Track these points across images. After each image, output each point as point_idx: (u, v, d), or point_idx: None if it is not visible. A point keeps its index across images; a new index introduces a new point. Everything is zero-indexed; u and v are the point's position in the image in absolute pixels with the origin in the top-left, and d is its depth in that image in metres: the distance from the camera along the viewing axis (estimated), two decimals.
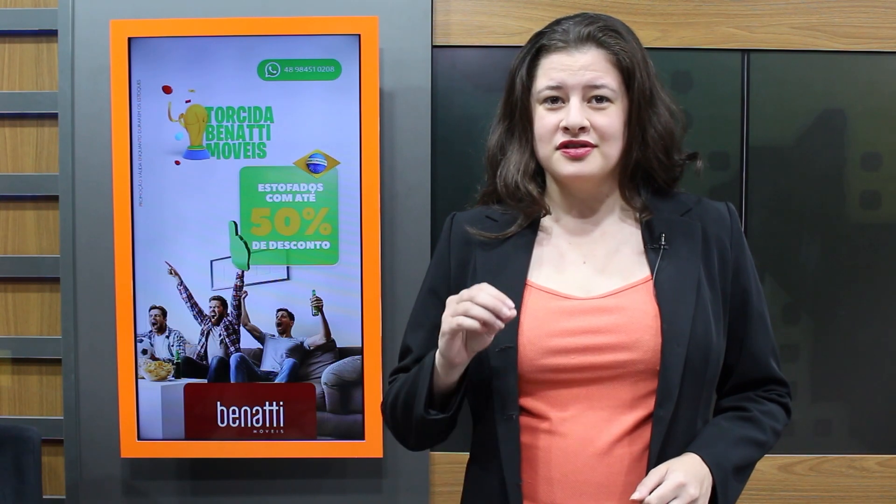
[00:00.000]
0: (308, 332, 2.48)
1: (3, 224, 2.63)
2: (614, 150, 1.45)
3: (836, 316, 2.65)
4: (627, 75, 1.43)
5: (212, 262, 2.47)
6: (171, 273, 2.48)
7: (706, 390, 1.47)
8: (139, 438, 2.49)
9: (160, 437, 2.49)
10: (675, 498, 1.32)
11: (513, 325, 1.41)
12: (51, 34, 2.57)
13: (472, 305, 1.31)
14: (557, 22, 1.47)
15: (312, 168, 2.45)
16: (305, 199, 2.46)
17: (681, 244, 1.46)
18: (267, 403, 2.49)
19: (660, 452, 1.39)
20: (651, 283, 1.43)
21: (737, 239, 1.50)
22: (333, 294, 2.47)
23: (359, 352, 2.48)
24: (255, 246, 2.47)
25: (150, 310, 2.48)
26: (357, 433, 2.48)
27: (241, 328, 2.48)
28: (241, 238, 2.46)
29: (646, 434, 1.41)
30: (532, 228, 1.51)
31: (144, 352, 2.49)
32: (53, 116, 2.57)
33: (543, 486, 1.43)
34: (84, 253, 2.55)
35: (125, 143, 2.44)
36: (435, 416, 1.42)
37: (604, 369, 1.41)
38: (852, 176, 2.64)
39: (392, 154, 2.53)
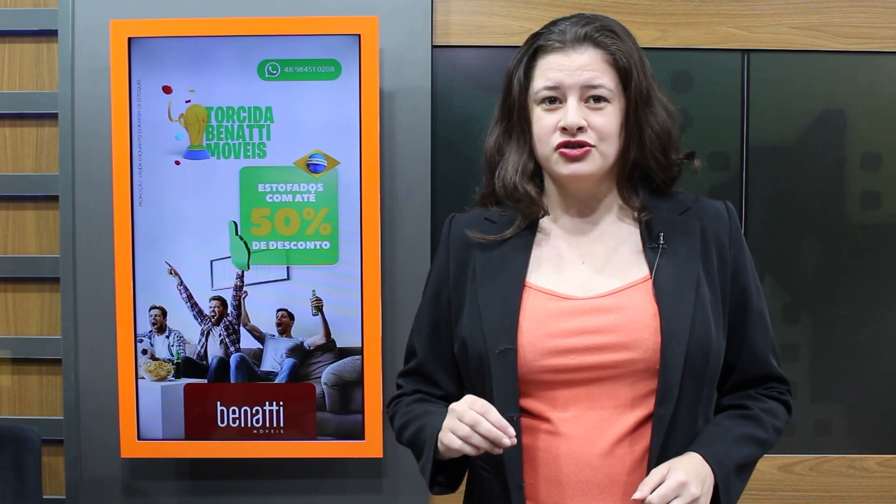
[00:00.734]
0: (308, 332, 2.48)
1: (3, 224, 2.63)
2: (612, 149, 1.45)
3: (836, 316, 2.65)
4: (624, 75, 1.43)
5: (212, 262, 2.47)
6: (171, 273, 2.48)
7: (706, 389, 1.46)
8: (139, 438, 2.49)
9: (160, 437, 2.49)
10: (676, 497, 1.32)
11: (512, 326, 1.42)
12: (51, 34, 2.57)
13: (472, 433, 1.33)
14: (554, 22, 1.47)
15: (312, 168, 2.45)
16: (305, 199, 2.46)
17: (679, 243, 1.46)
18: (267, 403, 2.49)
19: (660, 452, 1.39)
20: (650, 283, 1.43)
21: (735, 237, 1.50)
22: (333, 294, 2.47)
23: (359, 352, 2.48)
24: (255, 246, 2.47)
25: (150, 310, 2.48)
26: (357, 433, 2.49)
27: (241, 328, 2.48)
28: (241, 238, 2.46)
29: (646, 434, 1.41)
30: (530, 229, 1.51)
31: (144, 352, 2.49)
32: (53, 116, 2.57)
33: (545, 487, 1.43)
34: (84, 253, 2.55)
35: (125, 143, 2.44)
36: (440, 487, 1.48)
37: (604, 369, 1.41)
38: (852, 176, 2.64)
39: (392, 154, 2.53)
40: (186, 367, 2.49)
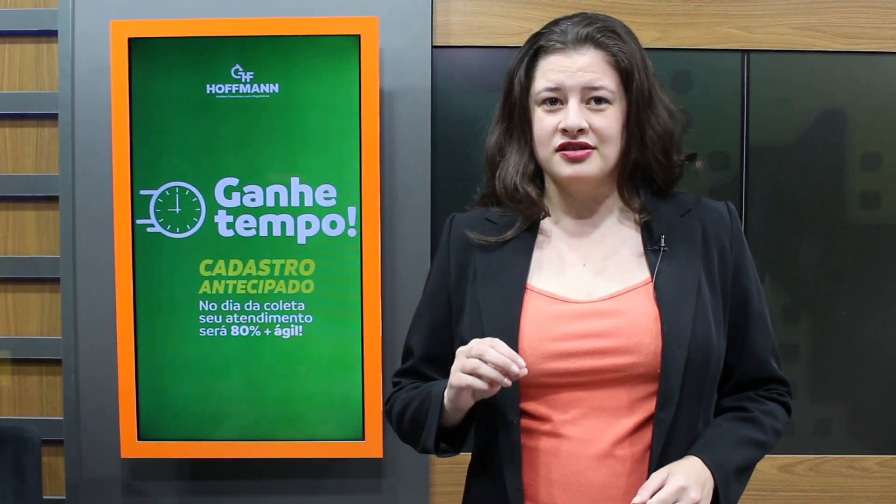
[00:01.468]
0: None
1: (3, 224, 2.63)
2: (613, 151, 1.44)
3: (836, 316, 2.65)
4: (626, 76, 1.43)
5: None
6: None
7: (707, 391, 1.46)
8: (139, 438, 2.49)
9: (160, 437, 2.49)
10: (676, 501, 1.32)
11: (513, 329, 1.41)
12: (51, 34, 2.57)
13: (480, 364, 1.31)
14: (556, 22, 1.46)
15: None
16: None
17: (680, 245, 1.46)
18: None
19: (661, 454, 1.39)
20: (651, 286, 1.43)
21: (737, 239, 1.50)
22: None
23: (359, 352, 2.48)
24: None
25: None
26: (357, 433, 2.48)
27: None
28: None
29: (646, 435, 1.41)
30: (531, 231, 1.50)
31: None
32: (53, 116, 2.57)
33: (545, 488, 1.42)
34: (84, 253, 2.55)
35: (125, 143, 2.44)
36: (445, 451, 1.45)
37: (604, 373, 1.40)
38: (852, 176, 2.64)
39: (392, 154, 2.53)
40: None
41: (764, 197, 2.62)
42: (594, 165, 1.43)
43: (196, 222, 2.46)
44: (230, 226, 2.46)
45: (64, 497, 2.61)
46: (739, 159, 2.61)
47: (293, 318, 2.47)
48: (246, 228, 2.46)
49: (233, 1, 2.52)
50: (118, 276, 2.46)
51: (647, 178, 1.50)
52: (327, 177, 2.45)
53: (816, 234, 2.64)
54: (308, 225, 2.46)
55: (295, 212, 2.45)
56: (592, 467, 1.40)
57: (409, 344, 1.59)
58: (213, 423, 2.49)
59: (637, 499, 1.33)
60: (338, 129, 2.44)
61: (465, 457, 1.56)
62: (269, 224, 2.46)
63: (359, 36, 2.41)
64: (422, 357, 1.56)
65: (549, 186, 1.52)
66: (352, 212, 2.45)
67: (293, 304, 2.47)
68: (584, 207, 1.50)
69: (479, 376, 1.32)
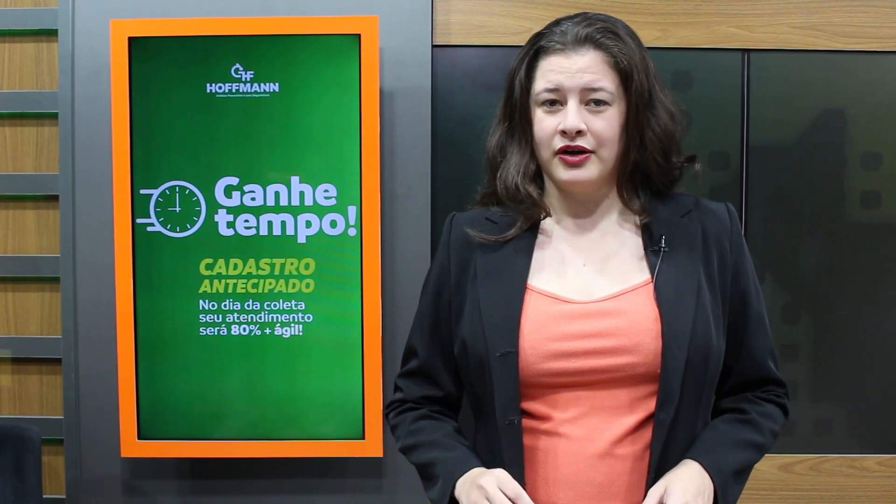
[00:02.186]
0: None
1: (3, 224, 2.63)
2: (612, 154, 1.44)
3: (836, 316, 2.65)
4: (625, 77, 1.42)
5: None
6: None
7: (706, 392, 1.46)
8: (139, 438, 2.49)
9: (160, 436, 2.49)
10: None
11: (513, 329, 1.41)
12: (51, 34, 2.57)
13: None
14: (557, 22, 1.46)
15: None
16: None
17: (681, 246, 1.46)
18: None
19: (661, 455, 1.39)
20: (651, 286, 1.43)
21: (736, 240, 1.50)
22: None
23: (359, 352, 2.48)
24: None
25: None
26: (357, 432, 2.49)
27: None
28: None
29: (646, 434, 1.41)
30: (532, 231, 1.50)
31: None
32: (53, 116, 2.57)
33: (544, 487, 1.42)
34: (84, 253, 2.55)
35: (125, 143, 2.44)
36: None
37: (604, 373, 1.40)
38: (852, 176, 2.64)
39: (392, 154, 2.53)
40: None
41: (764, 197, 2.62)
42: (592, 170, 1.43)
43: (196, 221, 2.46)
44: (230, 225, 2.46)
45: (64, 496, 2.61)
46: (739, 159, 2.61)
47: (293, 318, 2.47)
48: (246, 228, 2.46)
49: (233, 0, 2.52)
50: (118, 275, 2.46)
51: (646, 179, 1.50)
52: (327, 176, 2.45)
53: (816, 234, 2.64)
54: (308, 224, 2.46)
55: (295, 211, 2.46)
56: (592, 466, 1.40)
57: (411, 345, 1.59)
58: (213, 422, 2.49)
59: None
60: (338, 128, 2.44)
61: None
62: (270, 223, 2.46)
63: (359, 35, 2.41)
64: (425, 358, 1.57)
65: (550, 187, 1.52)
66: (352, 211, 2.45)
67: (293, 303, 2.47)
68: (584, 208, 1.50)
69: None
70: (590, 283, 1.46)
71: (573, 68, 1.41)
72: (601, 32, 1.42)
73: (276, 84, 2.44)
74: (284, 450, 2.49)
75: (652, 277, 1.43)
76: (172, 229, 2.46)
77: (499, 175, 1.50)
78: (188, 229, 2.47)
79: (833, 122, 2.62)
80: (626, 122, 1.43)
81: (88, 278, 2.55)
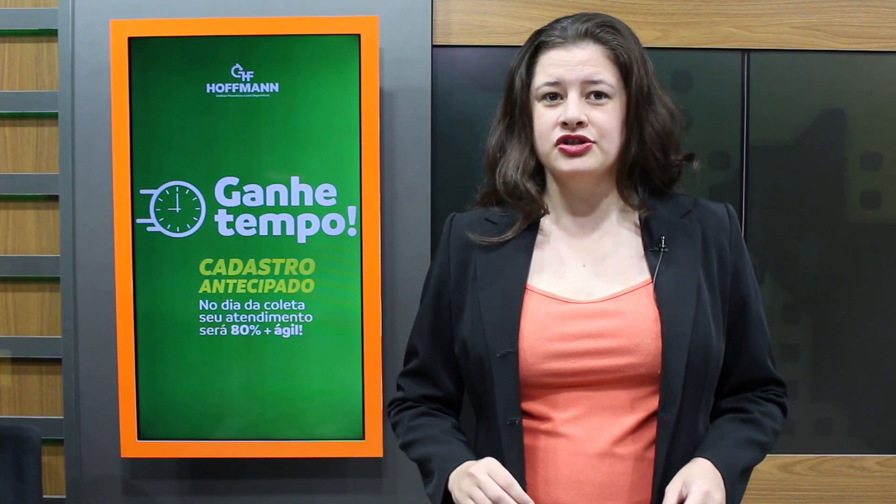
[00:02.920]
0: None
1: (3, 224, 2.63)
2: (613, 146, 1.44)
3: (836, 316, 2.65)
4: (625, 71, 1.43)
5: None
6: None
7: (707, 392, 1.47)
8: (139, 438, 2.49)
9: (160, 436, 2.49)
10: None
11: (513, 329, 1.42)
12: (51, 34, 2.57)
13: (480, 495, 1.34)
14: (557, 21, 1.48)
15: None
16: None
17: (680, 246, 1.46)
18: None
19: (666, 456, 1.39)
20: (651, 287, 1.43)
21: (736, 241, 1.50)
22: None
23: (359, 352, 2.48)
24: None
25: None
26: (357, 432, 2.49)
27: None
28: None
29: (647, 434, 1.41)
30: (531, 231, 1.50)
31: None
32: (53, 116, 2.57)
33: (545, 487, 1.43)
34: (84, 253, 2.55)
35: (125, 143, 2.44)
36: None
37: (604, 373, 1.41)
38: (852, 176, 2.64)
39: (392, 154, 2.53)
40: None
41: (764, 197, 2.62)
42: (594, 160, 1.43)
43: (196, 222, 2.46)
44: (230, 225, 2.46)
45: (64, 497, 2.61)
46: (739, 159, 2.61)
47: (293, 318, 2.47)
48: (246, 228, 2.46)
49: (233, 1, 2.52)
50: (118, 275, 2.46)
51: (645, 176, 1.50)
52: (327, 176, 2.45)
53: (816, 234, 2.64)
54: (308, 224, 2.46)
55: (295, 211, 2.46)
56: (593, 466, 1.41)
57: (412, 344, 1.61)
58: (213, 422, 2.49)
59: None
60: (338, 128, 2.44)
61: None
62: (270, 223, 2.46)
63: (359, 35, 2.41)
64: (425, 358, 1.58)
65: (550, 184, 1.52)
66: (352, 211, 2.45)
67: (293, 303, 2.47)
68: (583, 205, 1.50)
69: None
70: (589, 283, 1.46)
71: (573, 61, 1.42)
72: (601, 27, 1.44)
73: (276, 84, 2.44)
74: (284, 450, 2.49)
75: (652, 278, 1.43)
76: (172, 229, 2.46)
77: (498, 171, 1.51)
78: (188, 229, 2.47)
79: (833, 122, 2.62)
80: (626, 116, 1.44)
81: (88, 278, 2.55)
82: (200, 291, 2.47)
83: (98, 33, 2.48)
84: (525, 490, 1.41)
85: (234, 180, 2.46)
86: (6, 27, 2.58)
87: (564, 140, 1.42)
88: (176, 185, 2.46)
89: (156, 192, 2.46)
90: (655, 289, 1.42)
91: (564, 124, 1.42)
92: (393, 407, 1.62)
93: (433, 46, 2.56)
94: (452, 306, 1.52)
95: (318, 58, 2.43)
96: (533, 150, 1.49)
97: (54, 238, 2.61)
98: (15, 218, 2.63)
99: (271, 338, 2.48)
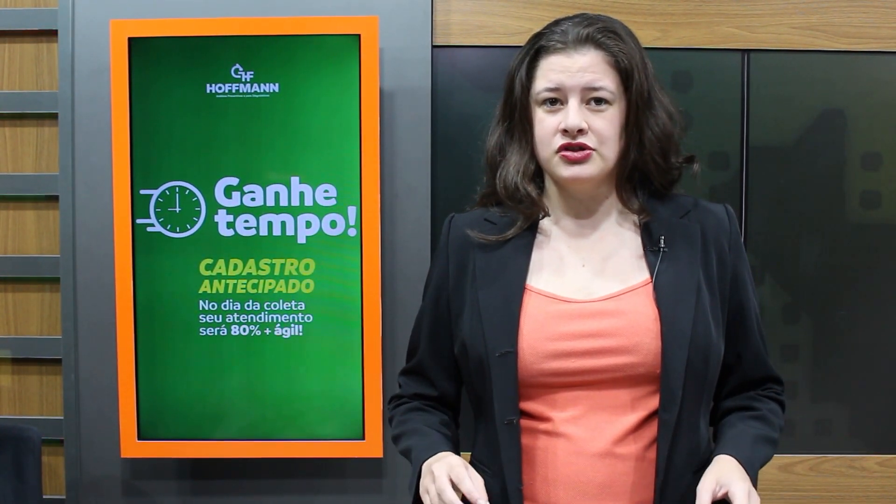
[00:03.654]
0: None
1: (3, 224, 2.63)
2: (612, 152, 1.44)
3: (836, 316, 2.65)
4: (626, 77, 1.43)
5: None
6: None
7: (707, 391, 1.47)
8: (139, 438, 2.49)
9: (160, 436, 2.49)
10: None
11: (512, 329, 1.42)
12: (51, 34, 2.57)
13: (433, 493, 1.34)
14: (556, 22, 1.46)
15: None
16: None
17: (680, 246, 1.46)
18: None
19: (668, 456, 1.39)
20: (651, 287, 1.43)
21: (735, 242, 1.50)
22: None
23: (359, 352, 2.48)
24: None
25: None
26: (357, 433, 2.49)
27: None
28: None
29: (647, 433, 1.41)
30: (531, 231, 1.50)
31: None
32: (53, 116, 2.57)
33: (543, 487, 1.43)
34: (84, 253, 2.55)
35: (125, 143, 2.44)
36: None
37: (604, 372, 1.41)
38: (852, 176, 2.64)
39: (392, 154, 2.53)
40: None
41: (764, 197, 2.62)
42: (594, 167, 1.43)
43: (196, 222, 2.46)
44: (230, 225, 2.46)
45: (64, 497, 2.61)
46: (739, 159, 2.61)
47: (293, 318, 2.47)
48: (246, 228, 2.46)
49: (233, 1, 2.52)
50: (118, 275, 2.46)
51: (645, 178, 1.50)
52: (327, 176, 2.45)
53: (816, 234, 2.64)
54: (308, 224, 2.46)
55: (295, 211, 2.46)
56: (593, 466, 1.41)
57: (413, 343, 1.62)
58: (213, 422, 2.49)
59: None
60: (338, 128, 2.44)
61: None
62: (269, 224, 2.46)
63: (359, 35, 2.41)
64: (423, 357, 1.59)
65: (549, 186, 1.52)
66: (352, 211, 2.45)
67: (293, 303, 2.47)
68: (583, 207, 1.50)
69: None
70: (589, 282, 1.46)
71: (574, 67, 1.41)
72: (602, 32, 1.43)
73: (276, 84, 2.44)
74: (284, 450, 2.49)
75: (651, 277, 1.43)
76: (172, 230, 2.46)
77: (498, 174, 1.51)
78: (188, 230, 2.47)
79: (833, 122, 2.62)
80: (625, 121, 1.44)
81: (88, 279, 2.55)
82: (200, 292, 2.47)
83: (98, 33, 2.48)
84: (523, 491, 1.42)
85: (234, 180, 2.46)
86: (6, 27, 2.58)
87: (565, 147, 1.42)
88: (176, 186, 2.46)
89: (156, 193, 2.46)
90: (655, 288, 1.42)
91: (565, 131, 1.41)
92: (391, 403, 1.64)
93: (433, 47, 2.55)
94: (451, 307, 1.52)
95: (318, 58, 2.43)
96: (533, 154, 1.49)
97: (54, 238, 2.61)
98: (15, 218, 2.63)
99: (271, 338, 2.48)
